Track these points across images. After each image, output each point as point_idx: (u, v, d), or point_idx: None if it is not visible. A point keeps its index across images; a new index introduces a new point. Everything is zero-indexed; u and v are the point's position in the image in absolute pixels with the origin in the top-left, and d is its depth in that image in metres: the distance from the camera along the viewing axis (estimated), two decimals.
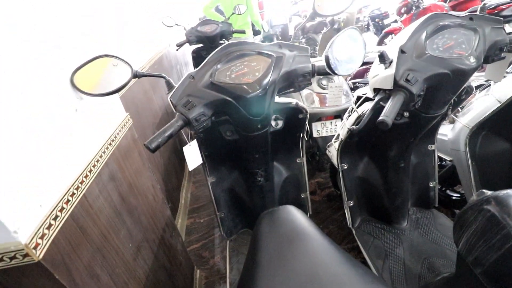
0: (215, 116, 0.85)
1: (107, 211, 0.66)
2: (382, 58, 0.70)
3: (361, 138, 1.07)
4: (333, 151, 1.50)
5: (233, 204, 1.25)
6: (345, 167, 1.16)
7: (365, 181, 1.20)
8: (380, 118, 0.63)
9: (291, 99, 0.99)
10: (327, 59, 0.61)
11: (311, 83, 0.84)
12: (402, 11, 3.96)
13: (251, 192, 1.18)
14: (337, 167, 1.20)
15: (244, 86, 0.74)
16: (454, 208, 1.64)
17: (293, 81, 0.82)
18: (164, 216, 1.07)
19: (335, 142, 1.63)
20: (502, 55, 0.80)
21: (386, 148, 1.07)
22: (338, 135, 1.86)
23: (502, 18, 0.74)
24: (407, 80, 0.68)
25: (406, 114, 0.86)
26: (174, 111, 0.73)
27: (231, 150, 1.08)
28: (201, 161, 0.84)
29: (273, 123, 0.99)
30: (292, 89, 0.88)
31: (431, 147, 1.20)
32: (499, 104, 1.03)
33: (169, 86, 0.77)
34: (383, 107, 0.82)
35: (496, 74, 0.85)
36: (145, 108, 1.49)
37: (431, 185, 1.26)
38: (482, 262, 0.64)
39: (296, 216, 0.70)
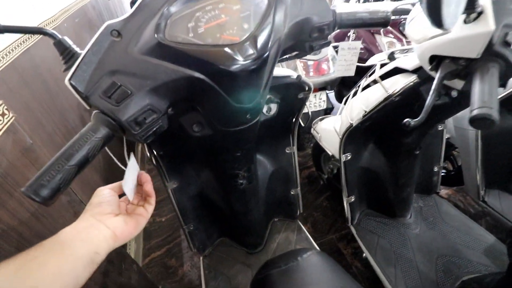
0: (172, 108, 0.50)
1: None
2: (472, 4, 0.40)
3: (374, 123, 0.81)
4: (323, 133, 1.25)
5: (205, 213, 0.95)
6: (349, 157, 0.91)
7: (368, 172, 0.98)
8: (480, 111, 0.36)
9: (289, 71, 0.67)
10: None
11: (329, 43, 0.52)
12: None
13: (229, 197, 0.88)
14: (338, 157, 0.94)
15: (227, 50, 0.39)
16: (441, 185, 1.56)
17: (303, 39, 0.50)
18: None
19: (321, 120, 1.38)
20: None
21: (402, 134, 0.84)
22: (325, 111, 1.61)
23: None
24: (505, 43, 0.40)
25: (454, 93, 0.61)
26: (86, 108, 0.37)
27: (199, 147, 0.75)
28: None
29: (264, 109, 0.67)
30: (295, 53, 0.56)
31: (441, 126, 1.01)
32: None
33: (65, 53, 0.39)
34: (447, 87, 0.54)
35: None
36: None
37: (436, 169, 1.10)
38: None
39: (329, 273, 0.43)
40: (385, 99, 0.65)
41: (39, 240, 0.31)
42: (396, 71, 0.68)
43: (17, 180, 0.46)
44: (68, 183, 0.31)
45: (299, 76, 0.64)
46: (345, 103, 0.95)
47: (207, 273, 0.95)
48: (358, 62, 1.66)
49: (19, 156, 0.47)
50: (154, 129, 0.39)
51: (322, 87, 1.41)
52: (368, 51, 1.59)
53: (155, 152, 0.73)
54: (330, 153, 1.18)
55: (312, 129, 1.36)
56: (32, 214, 0.46)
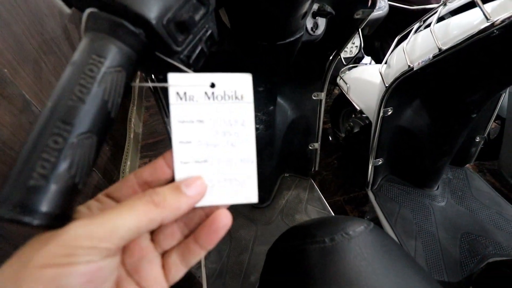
0: None
1: None
2: None
3: (440, 70, 0.63)
4: (352, 83, 1.06)
5: None
6: (389, 113, 0.75)
7: (406, 133, 0.83)
8: None
9: None
10: None
11: None
12: None
13: None
14: (370, 113, 0.78)
15: None
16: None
17: None
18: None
19: (350, 69, 1.18)
20: None
21: (468, 90, 0.67)
22: (354, 60, 1.38)
23: None
24: None
25: None
26: (65, 10, 0.20)
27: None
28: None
29: (308, 24, 0.48)
30: None
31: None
32: None
33: None
34: None
35: None
36: None
37: (477, 139, 0.95)
38: None
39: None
40: (482, 30, 0.46)
41: None
42: None
43: None
44: (88, 170, 0.16)
45: None
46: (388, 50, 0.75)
47: None
48: (404, 3, 1.38)
49: None
50: (204, 40, 0.22)
51: None
52: None
53: (155, 77, 0.56)
54: (358, 108, 1.01)
55: (338, 78, 1.17)
56: None
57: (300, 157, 0.92)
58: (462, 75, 0.62)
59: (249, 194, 0.20)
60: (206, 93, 0.21)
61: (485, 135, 0.94)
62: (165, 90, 0.57)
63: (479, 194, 0.93)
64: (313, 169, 0.95)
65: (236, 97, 0.21)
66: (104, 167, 0.99)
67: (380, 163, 0.86)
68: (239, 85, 0.21)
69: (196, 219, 0.20)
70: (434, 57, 0.55)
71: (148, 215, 0.16)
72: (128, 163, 1.30)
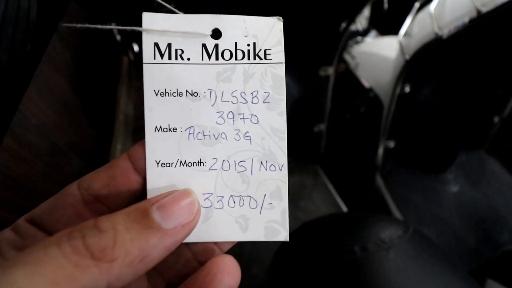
0: None
1: None
2: None
3: (468, 40, 0.54)
4: (362, 58, 0.97)
5: None
6: (407, 90, 0.67)
7: (423, 112, 0.75)
8: None
9: None
10: None
11: None
12: None
13: None
14: (391, 90, 0.70)
15: None
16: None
17: None
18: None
19: (357, 43, 1.08)
20: None
21: (502, 66, 0.58)
22: (361, 33, 1.27)
23: None
24: None
25: None
26: None
27: None
28: None
29: None
30: None
31: None
32: None
33: None
34: None
35: None
36: None
37: (496, 120, 0.88)
38: None
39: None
40: None
41: None
42: None
43: None
44: None
45: None
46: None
47: None
48: None
49: None
50: None
51: None
52: None
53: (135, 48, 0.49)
54: (367, 85, 0.93)
55: (345, 53, 1.07)
56: None
57: (304, 140, 0.85)
58: (501, 45, 0.53)
59: (274, 224, 0.13)
60: (204, 46, 0.13)
61: (505, 115, 0.86)
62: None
63: (495, 178, 0.87)
64: (318, 153, 0.88)
65: (256, 55, 0.13)
66: (90, 152, 0.91)
67: (393, 146, 0.79)
68: (262, 35, 0.13)
69: (178, 266, 0.12)
70: (471, 21, 0.46)
71: (70, 283, 0.08)
72: (119, 146, 1.22)
